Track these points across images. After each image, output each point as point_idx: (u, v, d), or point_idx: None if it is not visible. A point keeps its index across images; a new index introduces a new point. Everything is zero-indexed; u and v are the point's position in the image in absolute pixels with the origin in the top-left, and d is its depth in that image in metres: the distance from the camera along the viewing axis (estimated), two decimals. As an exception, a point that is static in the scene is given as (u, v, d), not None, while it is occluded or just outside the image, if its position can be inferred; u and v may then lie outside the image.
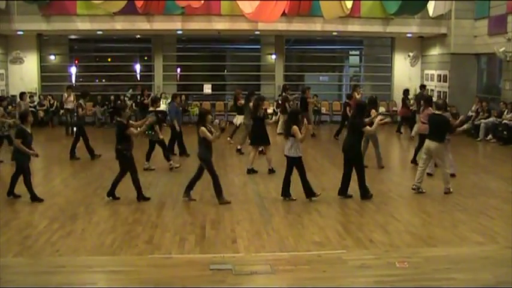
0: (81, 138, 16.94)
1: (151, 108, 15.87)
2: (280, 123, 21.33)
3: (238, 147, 17.93)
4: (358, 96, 20.26)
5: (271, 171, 14.82)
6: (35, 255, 8.65)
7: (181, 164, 15.72)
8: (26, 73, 26.35)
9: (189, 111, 26.59)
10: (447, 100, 23.07)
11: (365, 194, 12.11)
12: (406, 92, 23.76)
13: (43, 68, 27.22)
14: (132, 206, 11.51)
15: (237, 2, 22.86)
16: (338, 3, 22.25)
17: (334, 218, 10.83)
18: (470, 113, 22.61)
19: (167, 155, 15.60)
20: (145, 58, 29.62)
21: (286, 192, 12.03)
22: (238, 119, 19.19)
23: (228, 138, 19.39)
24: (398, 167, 16.85)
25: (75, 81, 28.60)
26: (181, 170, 15.07)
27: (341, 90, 32.03)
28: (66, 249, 8.96)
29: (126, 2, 21.98)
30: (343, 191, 12.24)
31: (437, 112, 13.03)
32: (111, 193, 11.99)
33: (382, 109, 24.51)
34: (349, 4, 22.62)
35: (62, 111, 24.89)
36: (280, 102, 22.84)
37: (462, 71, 24.92)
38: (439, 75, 26.33)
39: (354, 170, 12.13)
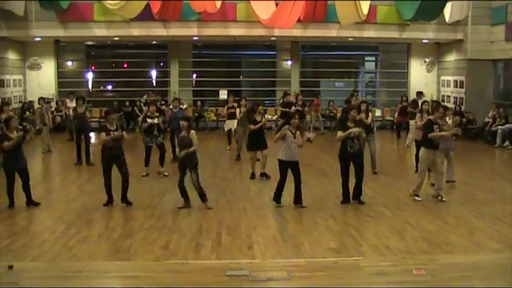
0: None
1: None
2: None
3: (237, 153, 17.97)
4: (354, 102, 20.32)
5: (264, 175, 14.92)
6: (51, 260, 8.71)
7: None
8: (44, 79, 26.54)
9: (205, 116, 26.66)
10: (463, 106, 23.02)
11: (344, 197, 12.33)
12: (404, 99, 23.84)
13: (60, 74, 27.39)
14: (147, 212, 11.55)
15: (253, 8, 22.92)
16: (354, 9, 22.22)
17: (349, 224, 10.81)
18: (487, 119, 22.50)
19: (163, 161, 15.61)
20: (161, 64, 29.72)
21: (277, 198, 12.11)
22: (229, 124, 19.28)
23: (228, 148, 19.52)
24: (411, 174, 16.69)
25: (92, 87, 28.77)
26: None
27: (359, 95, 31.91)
28: (82, 254, 9.01)
29: (142, 8, 22.08)
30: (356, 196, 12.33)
31: (429, 117, 13.01)
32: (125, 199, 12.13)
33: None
34: (365, 10, 22.58)
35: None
36: (300, 103, 22.83)
37: (479, 76, 24.78)
38: (455, 81, 26.19)
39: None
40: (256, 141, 15.04)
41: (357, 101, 20.07)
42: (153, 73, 29.88)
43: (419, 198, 12.58)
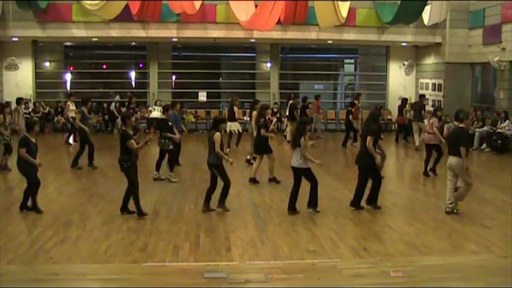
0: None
1: (162, 116, 15.79)
2: (288, 130, 21.46)
3: (248, 157, 17.38)
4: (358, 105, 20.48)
5: (273, 180, 14.75)
6: (28, 263, 8.61)
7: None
8: (21, 79, 26.31)
9: (184, 118, 26.59)
10: (442, 109, 23.17)
11: (356, 202, 12.08)
12: (404, 100, 24.04)
13: (38, 75, 27.18)
14: (126, 214, 11.46)
15: (233, 10, 22.91)
16: (333, 12, 22.32)
17: (328, 227, 10.79)
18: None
19: (172, 165, 15.24)
20: (141, 65, 29.59)
21: (291, 206, 11.70)
22: (231, 126, 19.18)
23: (227, 149, 19.36)
24: (394, 176, 16.85)
25: (70, 88, 28.57)
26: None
27: (336, 98, 32.09)
28: (59, 256, 8.92)
29: (121, 9, 21.99)
30: (355, 203, 12.10)
31: (458, 125, 12.18)
32: (139, 211, 11.38)
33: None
34: (344, 13, 22.70)
35: (61, 120, 24.95)
36: (276, 110, 22.85)
37: (457, 80, 25.00)
38: (433, 84, 26.39)
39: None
40: (266, 144, 14.74)
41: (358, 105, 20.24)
42: (132, 74, 29.75)
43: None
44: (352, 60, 32.77)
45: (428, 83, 27.00)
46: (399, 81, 28.50)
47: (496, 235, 10.30)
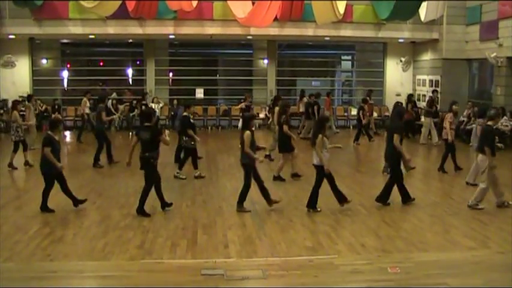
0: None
1: (184, 113, 15.65)
2: (305, 128, 21.53)
3: (267, 153, 17.11)
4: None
5: (296, 175, 14.77)
6: (25, 261, 8.61)
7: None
8: (18, 77, 26.23)
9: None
10: (439, 105, 23.20)
11: (405, 198, 12.18)
12: (409, 96, 24.13)
13: (35, 72, 27.09)
14: (123, 211, 11.47)
15: (230, 6, 22.88)
16: (330, 8, 22.28)
17: (326, 223, 10.80)
18: (462, 118, 22.65)
19: (196, 163, 15.08)
20: (138, 62, 29.55)
21: (311, 204, 11.65)
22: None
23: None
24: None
25: (67, 85, 28.54)
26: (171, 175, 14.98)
27: (333, 95, 32.03)
28: (57, 254, 8.93)
29: (117, 6, 21.94)
30: (382, 198, 12.19)
31: (486, 122, 12.42)
32: (140, 210, 11.28)
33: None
34: (341, 9, 22.67)
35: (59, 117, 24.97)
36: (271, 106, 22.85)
37: (454, 76, 25.00)
38: (430, 81, 26.40)
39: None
40: (289, 142, 14.63)
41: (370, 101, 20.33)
42: (129, 71, 29.70)
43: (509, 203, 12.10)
44: (349, 57, 32.81)
45: (425, 80, 27.00)
46: (396, 78, 28.51)
47: (493, 231, 10.32)
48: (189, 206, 11.90)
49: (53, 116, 20.59)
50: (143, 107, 22.43)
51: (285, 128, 14.59)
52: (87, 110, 21.86)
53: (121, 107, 25.46)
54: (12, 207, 11.82)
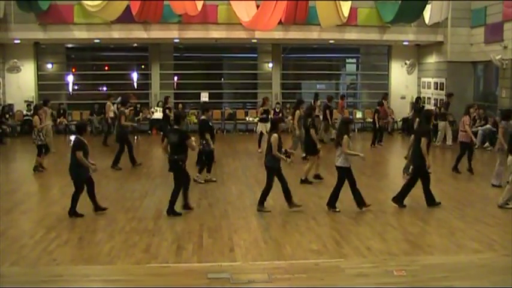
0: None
1: (203, 117, 15.57)
2: (321, 130, 21.61)
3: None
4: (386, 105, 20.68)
5: (317, 177, 14.84)
6: (31, 265, 8.62)
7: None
8: (23, 82, 26.30)
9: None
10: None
11: (431, 201, 12.20)
12: (418, 99, 24.24)
13: (40, 77, 27.16)
14: (129, 215, 11.49)
15: (234, 10, 22.91)
16: (335, 12, 22.30)
17: (331, 227, 10.81)
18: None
19: (203, 167, 15.02)
20: (143, 66, 29.57)
21: (331, 203, 11.81)
22: (261, 127, 19.17)
23: (259, 150, 19.23)
24: (397, 175, 16.77)
25: (72, 90, 28.60)
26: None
27: (338, 98, 32.01)
28: (63, 258, 8.94)
29: (122, 10, 21.98)
30: (429, 201, 12.22)
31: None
32: (172, 211, 11.43)
33: None
34: (346, 12, 22.69)
35: (63, 121, 25.08)
36: (278, 110, 22.86)
37: (459, 78, 24.95)
38: (435, 83, 26.35)
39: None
40: (315, 145, 14.61)
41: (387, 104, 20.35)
42: (134, 75, 29.75)
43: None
44: (354, 60, 32.78)
45: (430, 82, 26.95)
46: (401, 81, 28.47)
47: (498, 233, 10.29)
48: (195, 210, 11.89)
49: (78, 121, 20.38)
50: (167, 111, 22.35)
51: (312, 131, 14.64)
52: (111, 114, 21.85)
53: (126, 110, 25.42)
54: (18, 211, 11.84)
